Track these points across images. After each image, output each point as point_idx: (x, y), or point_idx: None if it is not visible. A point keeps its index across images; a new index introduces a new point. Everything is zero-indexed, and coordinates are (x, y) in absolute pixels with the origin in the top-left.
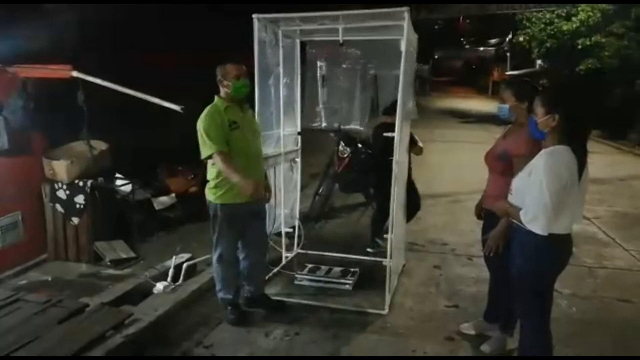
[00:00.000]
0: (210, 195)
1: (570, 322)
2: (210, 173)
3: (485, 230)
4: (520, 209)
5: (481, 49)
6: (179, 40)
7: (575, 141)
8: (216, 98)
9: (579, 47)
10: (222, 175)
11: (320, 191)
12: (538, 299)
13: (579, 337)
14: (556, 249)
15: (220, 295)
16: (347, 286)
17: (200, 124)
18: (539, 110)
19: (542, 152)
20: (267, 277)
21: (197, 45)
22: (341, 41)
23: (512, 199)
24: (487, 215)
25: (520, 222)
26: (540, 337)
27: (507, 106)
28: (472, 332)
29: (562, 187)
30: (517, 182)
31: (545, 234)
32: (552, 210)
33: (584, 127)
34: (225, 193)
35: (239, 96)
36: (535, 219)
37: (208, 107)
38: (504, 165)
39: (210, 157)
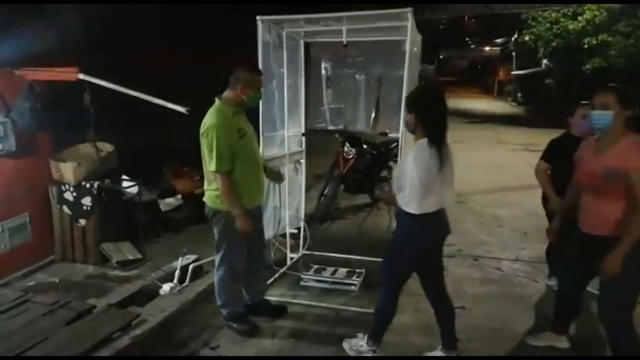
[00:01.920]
0: (214, 202)
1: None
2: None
3: (584, 257)
4: (396, 195)
5: (487, 48)
6: (181, 40)
7: (434, 136)
8: (219, 102)
9: (585, 46)
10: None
11: (325, 192)
12: (398, 273)
13: None
14: (430, 225)
15: (228, 310)
16: (353, 287)
17: (209, 133)
18: (406, 109)
19: (414, 144)
20: (272, 279)
21: (199, 46)
22: (345, 42)
23: (393, 186)
24: (582, 241)
25: (400, 207)
26: (390, 299)
27: (608, 112)
28: (541, 344)
29: (427, 173)
30: (395, 172)
31: (419, 213)
32: (422, 193)
33: (437, 125)
34: None
35: (251, 106)
36: (410, 202)
37: (215, 113)
38: (616, 185)
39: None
